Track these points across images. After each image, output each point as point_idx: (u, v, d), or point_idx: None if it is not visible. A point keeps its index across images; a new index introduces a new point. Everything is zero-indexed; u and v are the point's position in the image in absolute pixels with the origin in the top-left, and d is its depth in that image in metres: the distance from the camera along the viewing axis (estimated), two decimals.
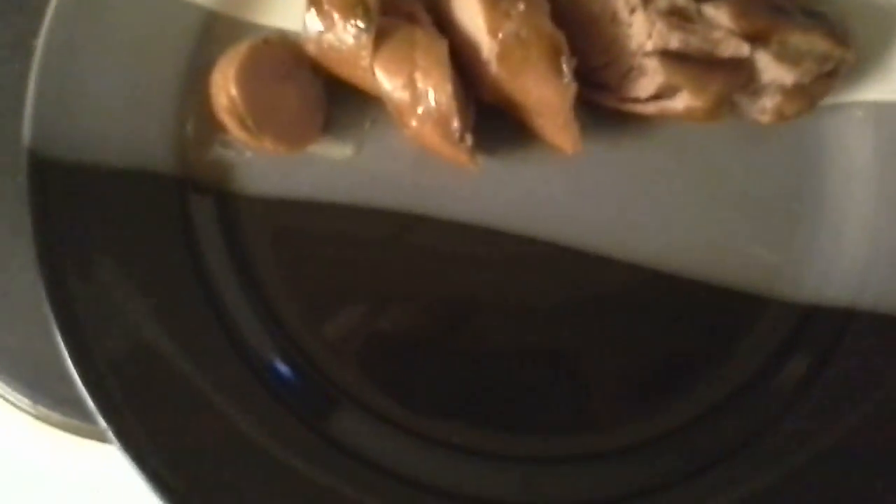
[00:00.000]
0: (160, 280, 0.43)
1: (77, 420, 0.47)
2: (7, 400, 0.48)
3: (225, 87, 0.41)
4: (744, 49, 0.42)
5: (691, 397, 0.44)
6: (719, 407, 0.44)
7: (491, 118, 0.45)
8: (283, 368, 0.44)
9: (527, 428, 0.44)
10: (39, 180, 0.42)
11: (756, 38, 0.42)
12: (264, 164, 0.45)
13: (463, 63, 0.43)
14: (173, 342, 0.42)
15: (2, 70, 0.49)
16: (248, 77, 0.42)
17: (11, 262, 0.48)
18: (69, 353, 0.40)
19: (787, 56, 0.42)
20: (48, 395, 0.47)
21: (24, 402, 0.47)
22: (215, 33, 0.45)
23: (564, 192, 0.46)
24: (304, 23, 0.42)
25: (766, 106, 0.44)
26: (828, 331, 0.44)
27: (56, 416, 0.47)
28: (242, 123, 0.42)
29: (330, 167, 0.46)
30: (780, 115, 0.44)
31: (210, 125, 0.44)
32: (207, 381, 0.41)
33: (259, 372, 0.43)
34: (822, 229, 0.45)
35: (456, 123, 0.41)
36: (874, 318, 0.44)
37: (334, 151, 0.46)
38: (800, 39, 0.42)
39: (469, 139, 0.42)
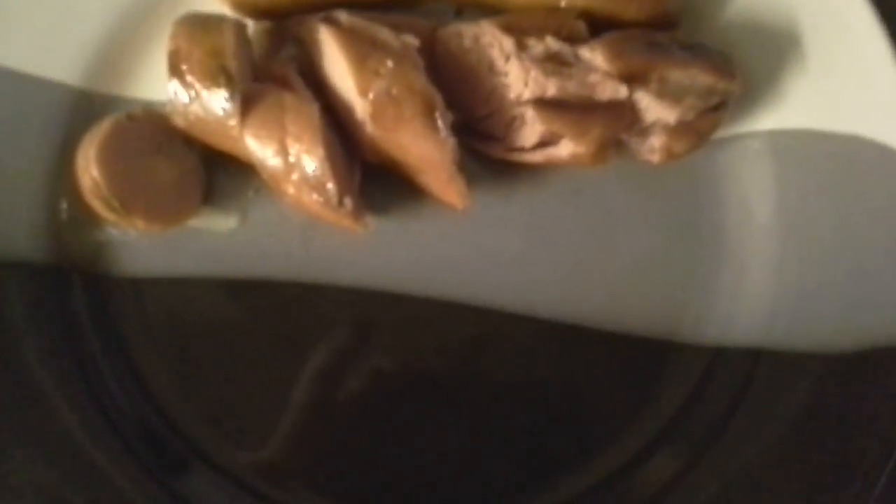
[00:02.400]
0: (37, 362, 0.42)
1: None
2: None
3: (87, 169, 0.40)
4: (622, 91, 0.41)
5: (601, 456, 0.42)
6: (638, 457, 0.42)
7: (378, 178, 0.44)
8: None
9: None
10: None
11: (634, 79, 0.41)
12: (143, 243, 0.44)
13: (341, 124, 0.42)
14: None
15: None
16: (111, 156, 0.40)
17: None
18: None
19: (668, 94, 0.41)
20: None
21: None
22: (85, 112, 0.44)
23: (459, 248, 0.44)
24: (169, 94, 0.40)
25: (654, 145, 0.43)
26: (738, 371, 0.43)
27: None
28: (108, 205, 0.40)
29: (213, 240, 0.44)
30: (670, 154, 0.43)
31: (83, 209, 0.42)
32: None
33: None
34: (725, 267, 0.44)
35: (331, 187, 0.40)
36: (784, 357, 0.42)
37: (217, 223, 0.44)
38: (680, 75, 0.41)
39: (349, 203, 0.41)
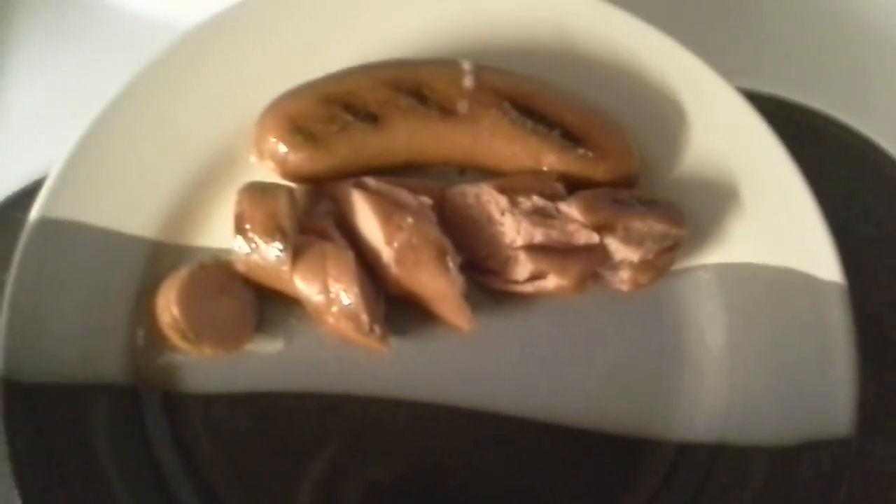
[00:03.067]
0: (117, 473, 0.50)
1: None
2: None
3: (168, 308, 0.49)
4: (594, 237, 0.51)
5: None
6: None
7: (399, 307, 0.53)
8: None
9: None
10: (10, 402, 0.48)
11: (603, 228, 0.51)
12: (207, 365, 0.53)
13: (370, 266, 0.52)
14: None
15: None
16: (187, 298, 0.50)
17: None
18: None
19: (631, 239, 0.52)
20: None
21: None
22: (160, 259, 0.54)
23: (466, 362, 0.54)
24: (234, 247, 0.51)
25: (623, 278, 0.53)
26: (701, 463, 0.51)
27: None
28: (184, 336, 0.50)
29: (264, 361, 0.53)
30: (637, 284, 0.53)
31: (157, 337, 0.52)
32: None
33: None
34: (685, 376, 0.54)
35: (364, 318, 0.49)
36: (741, 452, 0.51)
37: (267, 347, 0.54)
38: (639, 225, 0.52)
39: (378, 329, 0.50)
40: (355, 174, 0.53)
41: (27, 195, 0.59)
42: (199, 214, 0.55)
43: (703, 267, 0.55)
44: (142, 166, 0.54)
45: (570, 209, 0.52)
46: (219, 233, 0.55)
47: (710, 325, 0.54)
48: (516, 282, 0.53)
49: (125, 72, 0.56)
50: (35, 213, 0.52)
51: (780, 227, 0.54)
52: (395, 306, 0.53)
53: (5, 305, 0.50)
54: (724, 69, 0.56)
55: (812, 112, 0.64)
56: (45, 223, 0.52)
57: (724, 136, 0.56)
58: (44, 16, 0.69)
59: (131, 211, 0.54)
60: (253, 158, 0.55)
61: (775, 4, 0.68)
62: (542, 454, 0.52)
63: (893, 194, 0.61)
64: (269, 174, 0.54)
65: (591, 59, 0.57)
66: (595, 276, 0.54)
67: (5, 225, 0.58)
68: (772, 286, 0.53)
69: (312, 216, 0.54)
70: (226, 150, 0.56)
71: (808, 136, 0.63)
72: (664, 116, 0.57)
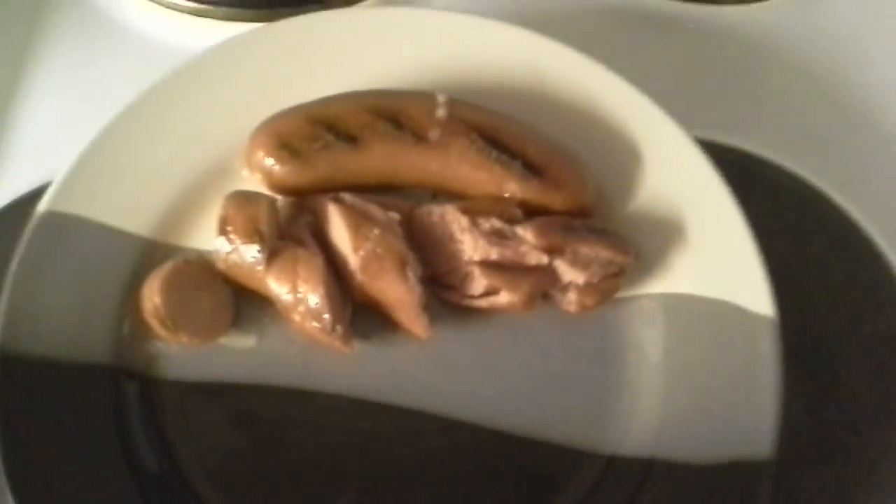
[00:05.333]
0: (89, 447, 0.54)
1: None
2: None
3: (151, 297, 0.55)
4: (544, 258, 0.56)
5: None
6: None
7: (364, 313, 0.58)
8: None
9: None
10: (4, 370, 0.53)
11: (553, 250, 0.56)
12: (184, 354, 0.58)
13: (338, 272, 0.57)
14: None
15: None
16: (169, 288, 0.55)
17: None
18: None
19: (578, 262, 0.56)
20: None
21: None
22: (151, 255, 0.59)
23: (421, 368, 0.58)
24: (215, 246, 0.56)
25: (571, 299, 0.57)
26: (631, 477, 0.55)
27: None
28: (163, 324, 0.55)
29: (237, 354, 0.58)
30: (582, 306, 0.57)
31: (140, 325, 0.57)
32: None
33: None
34: (623, 393, 0.57)
35: (328, 317, 0.54)
36: (670, 467, 0.54)
37: (240, 342, 0.58)
38: (587, 250, 0.56)
39: (340, 329, 0.55)
40: (334, 189, 0.59)
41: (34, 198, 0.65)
42: (191, 218, 0.61)
43: (648, 296, 0.60)
44: (143, 173, 0.60)
45: (525, 232, 0.56)
46: (206, 235, 0.60)
47: (650, 349, 0.58)
48: (472, 296, 0.58)
49: (137, 88, 0.62)
50: (42, 206, 0.57)
51: (720, 263, 0.58)
52: (360, 314, 0.58)
53: (7, 285, 0.55)
54: (683, 120, 0.61)
55: (756, 158, 0.68)
56: (51, 215, 0.57)
57: (675, 177, 0.61)
58: (71, 35, 0.76)
59: (130, 210, 0.59)
60: (244, 172, 0.61)
61: (734, 65, 0.74)
62: (483, 456, 0.56)
63: (830, 231, 0.65)
64: (257, 186, 0.59)
65: (556, 99, 0.62)
66: (546, 297, 0.58)
67: (26, 216, 0.64)
68: (709, 316, 0.57)
69: (292, 226, 0.59)
70: (220, 162, 0.61)
71: (752, 179, 0.67)
72: (621, 156, 0.62)
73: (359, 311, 0.58)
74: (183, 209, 0.61)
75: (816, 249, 0.65)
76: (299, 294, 0.55)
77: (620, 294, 0.59)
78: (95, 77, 0.75)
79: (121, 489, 0.54)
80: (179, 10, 0.75)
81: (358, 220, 0.56)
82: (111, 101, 0.64)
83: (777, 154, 0.69)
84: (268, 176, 0.59)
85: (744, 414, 0.54)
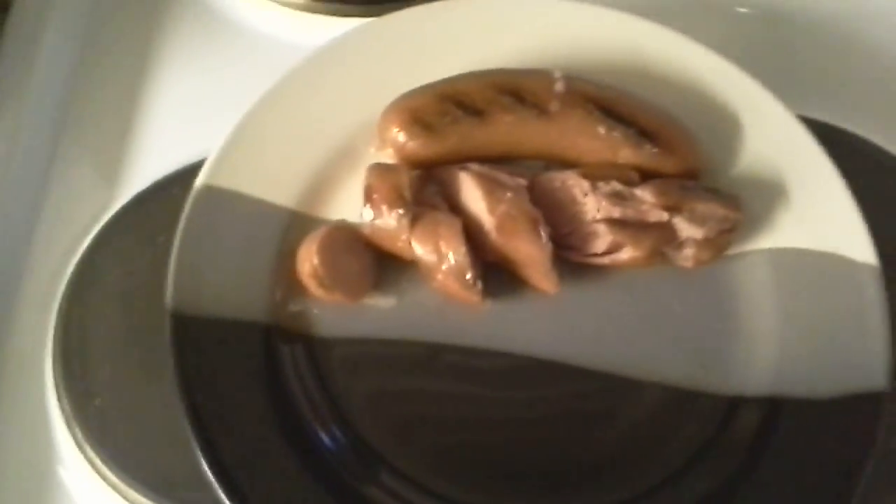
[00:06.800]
0: (253, 403, 0.59)
1: None
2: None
3: (309, 258, 0.60)
4: (664, 216, 0.61)
5: (646, 471, 0.58)
6: (677, 475, 0.58)
7: (493, 273, 0.63)
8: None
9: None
10: (177, 330, 0.58)
11: (672, 208, 0.61)
12: (332, 314, 0.63)
13: (471, 234, 0.62)
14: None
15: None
16: (325, 251, 0.60)
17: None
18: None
19: (695, 219, 0.61)
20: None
21: None
22: (296, 225, 0.65)
23: (549, 322, 0.63)
24: (362, 214, 0.61)
25: (687, 254, 0.62)
26: (757, 415, 0.59)
27: None
28: (321, 283, 0.60)
29: (380, 313, 0.63)
30: (698, 261, 0.62)
31: (294, 286, 0.62)
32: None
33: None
34: (739, 340, 0.62)
35: (470, 273, 0.59)
36: (795, 403, 0.59)
37: (382, 302, 0.63)
38: (703, 207, 0.61)
39: (479, 284, 0.60)
40: (459, 161, 0.64)
41: (181, 176, 0.71)
42: (329, 191, 0.66)
43: (755, 251, 0.64)
44: (285, 151, 0.66)
45: (644, 193, 0.61)
46: (343, 206, 0.65)
47: (761, 300, 0.63)
48: (595, 254, 0.63)
49: (258, 82, 0.68)
50: (200, 180, 0.63)
51: (822, 218, 0.63)
52: (488, 272, 0.63)
53: (173, 252, 0.61)
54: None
55: (849, 134, 0.73)
56: (208, 189, 0.63)
57: (773, 143, 0.66)
58: (187, 33, 0.83)
59: (276, 185, 0.65)
60: (373, 149, 0.66)
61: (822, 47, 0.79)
62: (611, 402, 0.61)
63: None
64: (386, 161, 0.65)
65: (658, 77, 0.68)
66: (662, 256, 0.63)
67: (164, 198, 0.70)
68: (815, 267, 0.62)
69: (423, 195, 0.64)
70: (351, 142, 0.67)
71: (844, 153, 0.71)
72: (722, 125, 0.67)
73: (487, 271, 0.63)
74: (322, 183, 0.66)
75: None
76: (441, 253, 0.60)
77: (729, 252, 0.64)
78: (212, 71, 0.81)
79: (268, 429, 0.59)
80: (289, 5, 0.81)
81: (491, 185, 0.61)
82: (228, 93, 0.70)
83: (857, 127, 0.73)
84: (400, 149, 0.64)
85: (857, 352, 0.58)
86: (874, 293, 0.60)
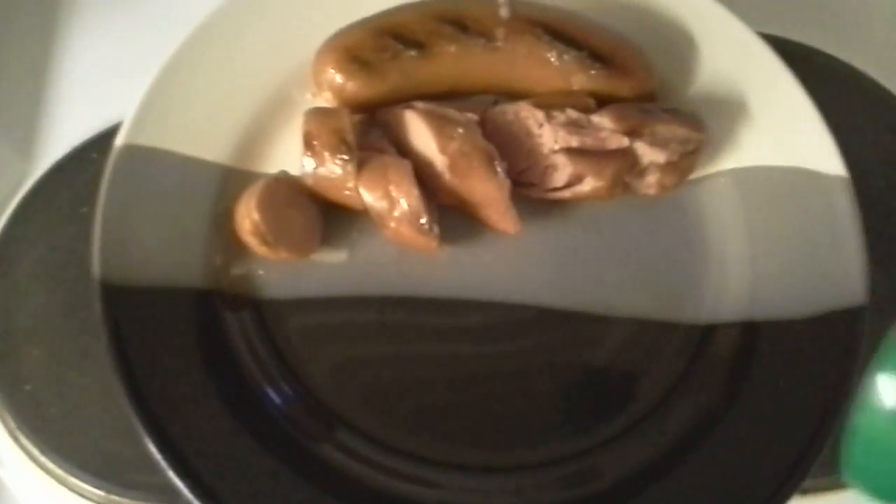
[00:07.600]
0: (197, 376, 0.54)
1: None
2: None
3: (248, 215, 0.55)
4: (624, 141, 0.57)
5: (628, 407, 0.56)
6: (656, 410, 0.55)
7: (448, 217, 0.59)
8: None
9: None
10: (107, 301, 0.53)
11: (632, 133, 0.57)
12: (277, 273, 0.58)
13: (422, 177, 0.58)
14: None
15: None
16: (266, 205, 0.55)
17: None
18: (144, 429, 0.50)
19: (657, 142, 0.58)
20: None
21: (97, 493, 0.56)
22: (231, 181, 0.59)
23: (512, 264, 0.59)
24: (303, 163, 0.56)
25: (650, 182, 0.59)
26: (735, 341, 0.57)
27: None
28: (263, 240, 0.55)
29: (330, 269, 0.58)
30: (662, 187, 0.59)
31: (234, 246, 0.57)
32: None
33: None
34: (710, 264, 0.59)
35: (425, 218, 0.55)
36: (773, 326, 0.56)
37: (331, 257, 0.59)
38: (664, 129, 0.58)
39: (436, 229, 0.56)
40: (403, 100, 0.59)
41: (100, 140, 0.65)
42: (264, 143, 0.61)
43: (720, 173, 0.61)
44: (211, 102, 0.60)
45: (602, 119, 0.58)
46: (280, 159, 0.60)
47: (730, 221, 0.60)
48: (555, 189, 0.59)
49: (177, 33, 0.62)
50: (119, 140, 0.57)
51: (786, 133, 0.60)
52: (444, 216, 0.59)
53: (97, 219, 0.55)
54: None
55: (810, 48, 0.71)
56: (129, 148, 0.57)
57: (731, 59, 0.63)
58: None
59: (204, 139, 0.59)
60: (309, 95, 0.61)
61: None
62: (583, 342, 0.57)
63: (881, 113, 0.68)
64: (324, 103, 0.60)
65: None
66: (624, 185, 0.60)
67: (84, 165, 0.64)
68: (783, 183, 0.59)
69: (367, 139, 0.60)
70: (285, 88, 0.62)
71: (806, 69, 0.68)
72: (677, 44, 0.63)
73: (443, 215, 0.59)
74: (256, 135, 0.61)
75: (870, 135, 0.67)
76: (392, 199, 0.55)
77: (693, 176, 0.61)
78: (127, 23, 0.75)
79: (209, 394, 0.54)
80: None
81: (440, 123, 0.57)
82: (146, 47, 0.64)
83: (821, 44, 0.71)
84: (338, 92, 0.59)
85: (832, 267, 0.56)
86: (845, 204, 0.58)
